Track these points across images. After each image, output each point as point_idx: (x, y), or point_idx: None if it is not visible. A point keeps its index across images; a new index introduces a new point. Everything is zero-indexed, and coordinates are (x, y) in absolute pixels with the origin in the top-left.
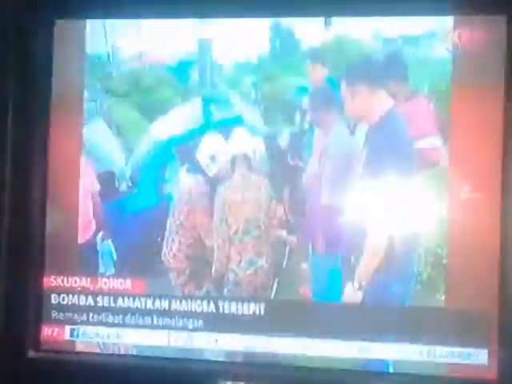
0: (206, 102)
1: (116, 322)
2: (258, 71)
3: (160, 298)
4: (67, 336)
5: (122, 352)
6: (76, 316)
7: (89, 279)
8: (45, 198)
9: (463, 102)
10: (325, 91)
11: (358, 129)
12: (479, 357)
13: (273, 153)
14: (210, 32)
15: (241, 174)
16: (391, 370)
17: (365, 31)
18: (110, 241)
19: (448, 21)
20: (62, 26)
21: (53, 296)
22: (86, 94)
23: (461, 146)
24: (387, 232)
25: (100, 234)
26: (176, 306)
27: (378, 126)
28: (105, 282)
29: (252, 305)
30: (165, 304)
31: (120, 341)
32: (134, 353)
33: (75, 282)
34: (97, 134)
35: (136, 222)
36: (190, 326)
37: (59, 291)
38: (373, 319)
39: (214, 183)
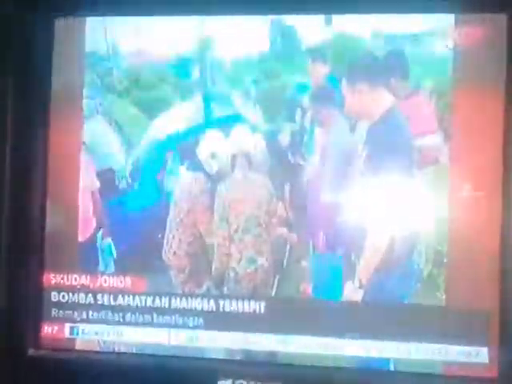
0: (207, 99)
1: (116, 319)
2: (258, 69)
3: (160, 295)
4: (67, 334)
5: (122, 350)
6: (76, 314)
7: (89, 277)
8: (45, 195)
9: (464, 99)
10: (325, 89)
11: (358, 127)
12: (480, 355)
13: (273, 151)
14: (211, 29)
15: (241, 171)
16: (392, 368)
17: (365, 29)
18: (110, 238)
19: (449, 19)
20: (61, 24)
21: (53, 294)
22: (85, 92)
23: (462, 143)
24: (388, 230)
25: (100, 232)
26: (176, 304)
27: (378, 123)
28: (105, 280)
29: (252, 303)
30: (165, 302)
31: (120, 339)
32: (134, 351)
33: (75, 280)
34: (97, 132)
35: (136, 220)
36: (191, 324)
37: (59, 289)
38: (373, 317)
39: (214, 181)
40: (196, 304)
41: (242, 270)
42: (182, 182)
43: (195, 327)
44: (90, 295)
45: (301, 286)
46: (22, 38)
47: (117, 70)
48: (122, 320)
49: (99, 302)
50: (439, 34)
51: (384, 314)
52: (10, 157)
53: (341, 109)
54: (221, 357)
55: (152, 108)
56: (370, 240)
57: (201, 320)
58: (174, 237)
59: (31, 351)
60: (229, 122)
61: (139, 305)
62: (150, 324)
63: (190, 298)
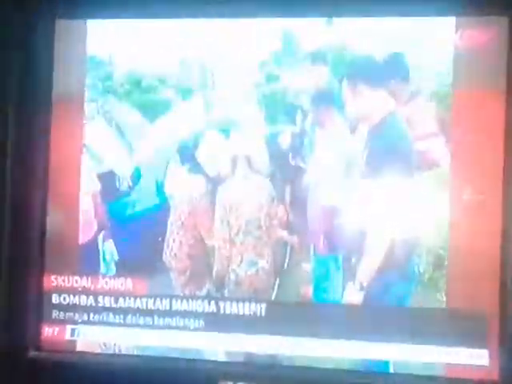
0: (207, 102)
1: (117, 321)
2: (259, 71)
3: (161, 298)
4: (68, 336)
5: (123, 352)
6: (77, 316)
7: (90, 279)
8: (46, 198)
9: (465, 102)
10: (326, 92)
11: (359, 130)
12: (480, 357)
13: (274, 153)
14: (211, 32)
15: (242, 174)
16: (392, 371)
17: (366, 32)
18: (111, 241)
19: (450, 22)
20: (63, 27)
21: (54, 296)
22: (87, 94)
23: (462, 147)
24: (388, 233)
25: (101, 234)
26: (177, 306)
27: (379, 126)
28: (106, 282)
29: (253, 305)
30: (166, 304)
31: (121, 340)
32: (135, 353)
33: (76, 282)
34: (98, 134)
35: (137, 222)
36: (191, 326)
37: (60, 291)
38: (374, 319)
39: (214, 183)
40: (197, 306)
41: (243, 272)
42: (182, 184)
43: (196, 329)
44: (90, 297)
45: (301, 289)
46: (24, 41)
47: (118, 73)
48: (122, 322)
49: (100, 304)
50: (440, 37)
51: (384, 317)
52: (12, 159)
53: (341, 112)
54: (221, 359)
55: (153, 111)
56: (371, 243)
57: (201, 322)
58: (174, 239)
59: (32, 353)
60: (229, 125)
61: (140, 307)
62: (151, 326)
63: (190, 301)
